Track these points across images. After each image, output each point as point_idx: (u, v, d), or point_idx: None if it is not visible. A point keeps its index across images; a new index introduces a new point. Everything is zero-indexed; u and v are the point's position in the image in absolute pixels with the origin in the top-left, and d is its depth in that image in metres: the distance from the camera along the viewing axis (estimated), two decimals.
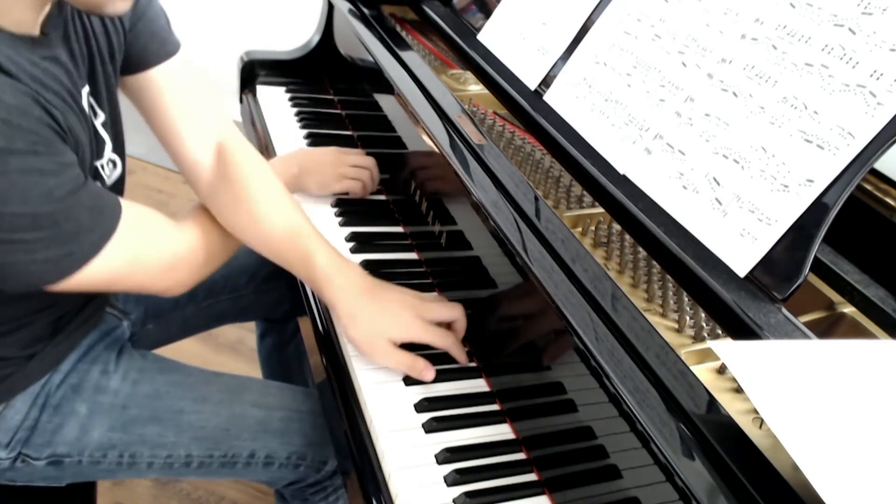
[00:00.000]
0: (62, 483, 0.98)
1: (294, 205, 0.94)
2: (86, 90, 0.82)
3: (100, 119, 0.86)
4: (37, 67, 0.71)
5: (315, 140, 1.34)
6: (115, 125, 0.91)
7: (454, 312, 0.90)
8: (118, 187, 0.93)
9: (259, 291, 1.26)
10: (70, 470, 0.95)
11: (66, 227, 0.71)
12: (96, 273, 0.75)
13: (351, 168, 1.17)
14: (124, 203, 0.79)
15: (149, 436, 0.95)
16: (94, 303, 0.98)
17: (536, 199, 0.86)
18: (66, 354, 0.95)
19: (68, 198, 0.71)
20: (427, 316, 0.88)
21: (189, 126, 0.95)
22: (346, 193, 1.17)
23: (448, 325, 0.91)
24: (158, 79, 0.94)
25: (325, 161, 1.16)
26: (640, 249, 0.86)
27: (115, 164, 0.91)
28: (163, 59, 0.94)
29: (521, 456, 0.80)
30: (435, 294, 1.01)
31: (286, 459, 1.00)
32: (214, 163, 0.96)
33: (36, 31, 0.74)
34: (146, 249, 0.82)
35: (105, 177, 0.88)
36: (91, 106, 0.84)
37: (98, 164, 0.87)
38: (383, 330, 0.85)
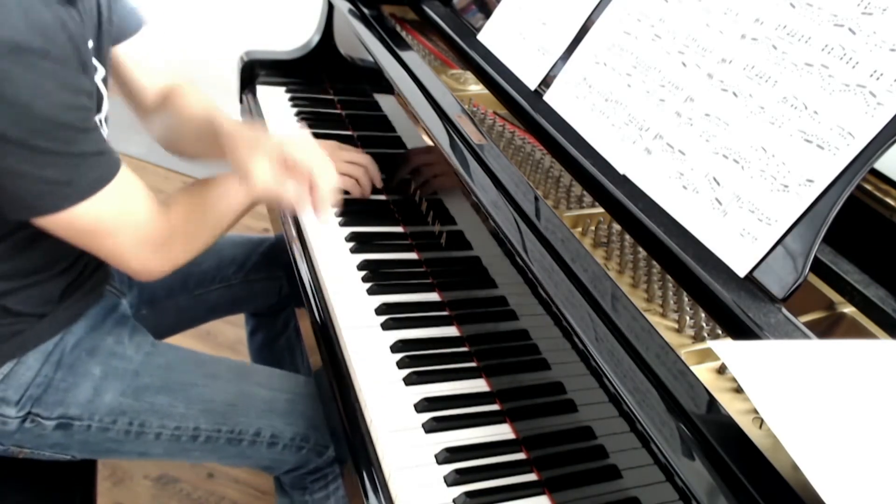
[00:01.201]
0: (68, 454, 0.99)
1: (215, 106, 1.06)
2: (91, 44, 0.86)
3: (100, 74, 0.89)
4: (62, 7, 0.76)
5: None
6: (108, 85, 0.95)
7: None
8: None
9: (247, 282, 1.28)
10: (78, 436, 0.95)
11: (75, 149, 0.76)
12: (84, 217, 0.79)
13: (344, 164, 1.14)
14: (123, 166, 0.83)
15: (159, 405, 0.97)
16: (98, 275, 1.02)
17: (536, 199, 0.86)
18: (76, 318, 0.98)
19: (83, 123, 0.77)
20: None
21: (148, 78, 1.08)
22: (347, 192, 1.17)
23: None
24: (123, 55, 1.04)
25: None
26: (640, 249, 0.86)
27: (107, 122, 0.94)
28: (128, 35, 1.03)
29: (521, 456, 0.80)
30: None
31: (290, 441, 1.01)
32: (159, 92, 1.08)
33: None
34: (133, 212, 0.85)
35: (105, 133, 0.91)
36: (93, 59, 0.87)
37: (98, 117, 0.89)
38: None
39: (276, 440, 1.01)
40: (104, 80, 0.92)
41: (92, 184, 0.79)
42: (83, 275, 0.98)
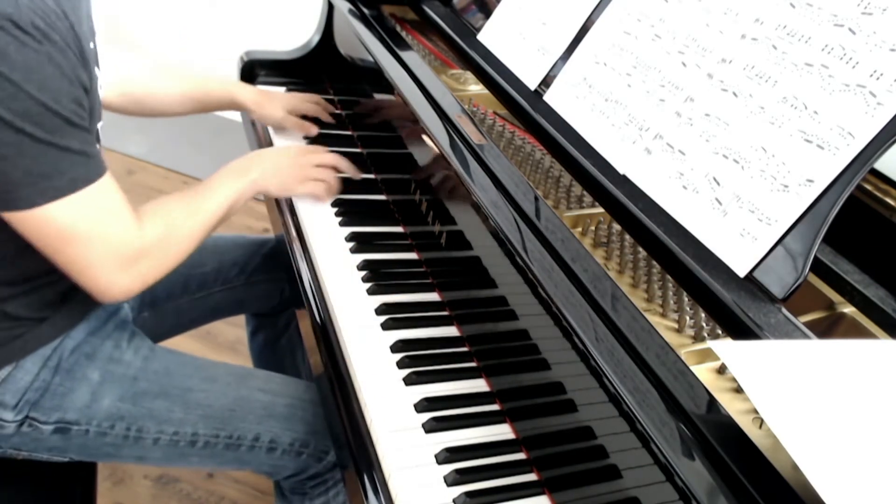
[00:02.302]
0: (66, 457, 0.98)
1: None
2: (92, 45, 0.85)
3: (99, 80, 0.88)
4: (65, 1, 0.76)
5: (314, 140, 1.34)
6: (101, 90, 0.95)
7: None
8: None
9: (249, 283, 1.28)
10: (76, 440, 0.95)
11: (59, 142, 0.74)
12: (57, 216, 0.77)
13: (312, 168, 1.12)
14: (107, 176, 0.82)
15: (157, 410, 0.96)
16: None
17: (536, 199, 0.86)
18: (75, 323, 0.97)
19: (74, 117, 0.75)
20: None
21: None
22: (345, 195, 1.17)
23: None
24: None
25: (282, 162, 1.10)
26: (640, 249, 0.86)
27: (101, 134, 0.93)
28: None
29: (521, 456, 0.80)
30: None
31: (289, 446, 1.01)
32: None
33: None
34: (110, 221, 0.83)
35: (100, 141, 0.90)
36: (95, 61, 0.86)
37: (98, 126, 0.88)
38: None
39: (274, 445, 1.00)
40: (101, 87, 0.90)
41: (71, 183, 0.77)
42: None
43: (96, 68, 0.87)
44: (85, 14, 0.82)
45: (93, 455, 0.99)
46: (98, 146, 0.89)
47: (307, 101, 1.35)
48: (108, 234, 0.83)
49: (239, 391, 1.01)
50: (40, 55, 0.70)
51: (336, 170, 1.16)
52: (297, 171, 1.11)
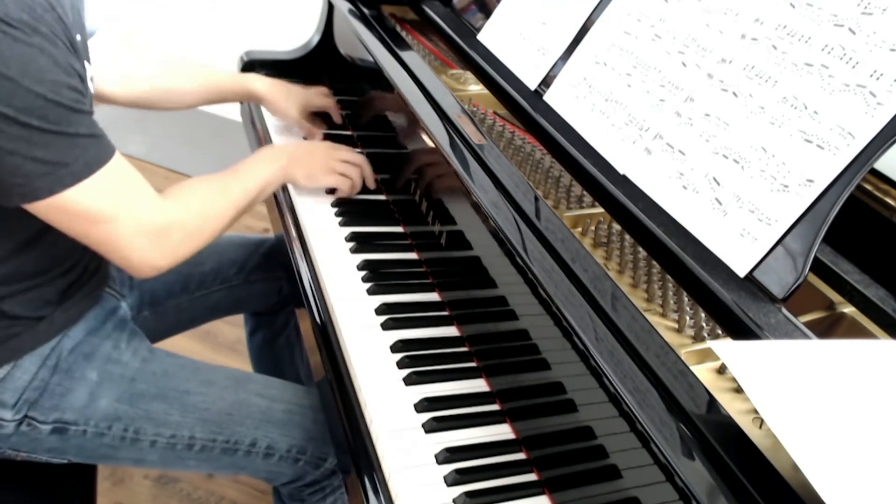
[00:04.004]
0: (64, 458, 0.98)
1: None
2: (79, 38, 0.84)
3: (89, 72, 0.88)
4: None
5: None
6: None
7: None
8: None
9: (248, 282, 1.28)
10: (74, 441, 0.95)
11: (67, 130, 0.75)
12: (80, 201, 0.78)
13: (340, 164, 1.15)
14: (118, 154, 0.82)
15: (154, 412, 0.96)
16: (97, 277, 1.01)
17: (536, 199, 0.86)
18: (73, 321, 0.96)
19: (75, 104, 0.75)
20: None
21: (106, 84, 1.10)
22: (335, 190, 1.17)
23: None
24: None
25: (314, 152, 1.15)
26: (640, 249, 0.86)
27: None
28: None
29: (521, 456, 0.80)
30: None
31: (286, 452, 1.01)
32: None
33: None
34: (130, 199, 0.84)
35: None
36: (84, 53, 0.86)
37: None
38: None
39: (271, 451, 1.00)
40: (91, 80, 0.90)
41: (87, 165, 0.77)
42: (83, 277, 0.98)
43: (86, 62, 0.87)
44: (69, 5, 0.82)
45: (90, 457, 0.99)
46: None
47: (319, 95, 1.36)
48: (132, 210, 0.84)
49: (237, 395, 1.00)
50: (32, 48, 0.70)
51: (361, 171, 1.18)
52: (326, 162, 1.14)
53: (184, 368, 1.01)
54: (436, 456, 0.78)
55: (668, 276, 0.81)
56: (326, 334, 0.95)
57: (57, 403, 0.93)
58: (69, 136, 0.75)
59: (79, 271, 0.97)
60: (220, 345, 1.97)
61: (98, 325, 1.00)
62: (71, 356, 0.95)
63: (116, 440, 0.96)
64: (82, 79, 0.79)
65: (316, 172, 1.14)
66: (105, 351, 0.98)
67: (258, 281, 1.29)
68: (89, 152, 0.78)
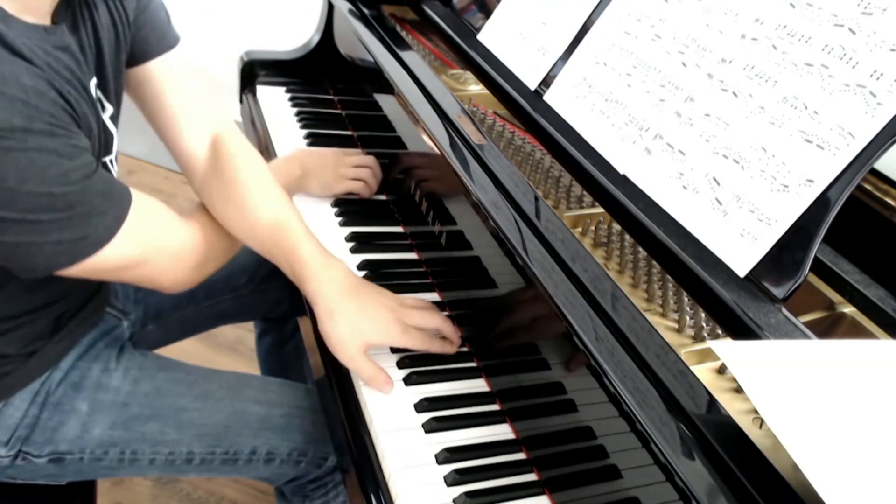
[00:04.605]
0: (63, 481, 0.98)
1: (284, 198, 0.94)
2: (94, 82, 0.82)
3: (108, 112, 0.87)
4: (50, 56, 0.72)
5: (315, 140, 1.34)
6: (118, 121, 0.92)
7: (434, 320, 0.88)
8: None
9: (259, 291, 1.26)
10: (71, 468, 0.94)
11: (80, 209, 0.72)
12: (110, 258, 0.76)
13: (352, 168, 1.16)
14: (134, 192, 0.80)
15: (150, 433, 0.95)
16: (95, 301, 0.98)
17: (536, 199, 0.86)
18: (66, 352, 0.94)
19: (83, 181, 0.72)
20: (407, 321, 0.86)
21: (187, 118, 0.96)
22: (351, 194, 1.17)
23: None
24: (157, 71, 0.95)
25: (326, 162, 1.16)
26: (640, 249, 0.86)
27: (117, 160, 0.91)
28: (163, 51, 0.96)
29: (521, 456, 0.80)
30: (419, 297, 0.97)
31: (287, 456, 1.00)
32: (209, 154, 0.96)
33: (47, 21, 0.75)
34: (158, 236, 0.83)
35: (114, 173, 0.89)
36: (99, 99, 0.84)
37: (107, 159, 0.87)
38: (360, 331, 0.83)
39: (272, 456, 0.99)
40: (113, 118, 0.88)
41: (107, 229, 0.75)
42: (78, 304, 0.95)
43: (107, 104, 0.85)
44: (89, 44, 0.80)
45: (90, 476, 0.98)
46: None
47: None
48: (162, 246, 0.83)
49: (234, 405, 0.99)
50: (28, 153, 0.66)
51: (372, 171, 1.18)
52: (338, 169, 1.15)
53: (177, 384, 0.99)
54: (436, 456, 0.78)
55: (668, 276, 0.81)
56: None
57: (50, 437, 0.92)
58: (83, 214, 0.73)
59: (73, 300, 0.94)
60: (221, 345, 1.97)
61: (88, 347, 0.98)
62: (59, 389, 0.93)
63: (114, 462, 0.95)
64: (87, 148, 0.74)
65: (330, 182, 1.15)
66: (94, 377, 0.95)
67: (269, 290, 1.26)
68: (107, 217, 0.75)
